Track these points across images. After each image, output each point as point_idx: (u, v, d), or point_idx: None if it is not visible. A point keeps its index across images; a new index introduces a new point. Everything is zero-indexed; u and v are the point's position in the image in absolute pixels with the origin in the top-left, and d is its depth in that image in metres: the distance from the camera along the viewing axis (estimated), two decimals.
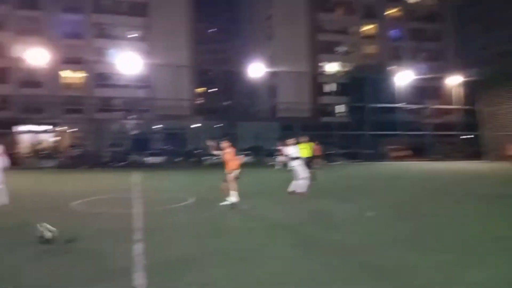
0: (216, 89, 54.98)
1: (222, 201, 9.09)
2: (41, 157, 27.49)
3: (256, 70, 35.50)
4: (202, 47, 50.78)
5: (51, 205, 9.78)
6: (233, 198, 9.00)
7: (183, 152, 26.35)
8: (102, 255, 5.28)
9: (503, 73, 31.92)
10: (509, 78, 28.45)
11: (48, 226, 5.63)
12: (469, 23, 60.47)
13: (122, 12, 41.20)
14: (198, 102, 47.09)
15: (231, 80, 45.71)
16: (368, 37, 52.76)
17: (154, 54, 38.45)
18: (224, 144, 9.48)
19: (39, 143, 31.44)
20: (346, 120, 38.06)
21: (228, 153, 9.35)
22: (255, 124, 33.27)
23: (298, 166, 10.73)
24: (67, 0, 38.67)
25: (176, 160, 24.99)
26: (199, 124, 32.58)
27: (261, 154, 28.58)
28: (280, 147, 20.24)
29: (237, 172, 9.17)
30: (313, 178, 13.33)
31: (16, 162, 26.31)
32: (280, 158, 19.92)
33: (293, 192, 10.64)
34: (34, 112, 33.86)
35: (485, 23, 59.46)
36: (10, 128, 31.70)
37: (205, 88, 54.47)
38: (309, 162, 13.70)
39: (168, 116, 33.17)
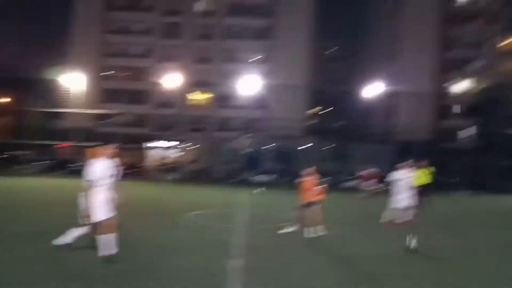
0: (331, 109, 54.67)
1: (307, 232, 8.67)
2: (165, 170, 31.02)
3: (374, 89, 34.48)
4: (321, 67, 51.25)
5: (162, 214, 11.19)
6: (319, 231, 8.62)
7: (292, 172, 26.87)
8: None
9: None
10: None
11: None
12: None
13: (248, 36, 44.28)
14: (312, 122, 47.49)
15: (347, 100, 45.09)
16: (507, 52, 46.61)
17: (274, 75, 40.35)
18: (306, 171, 9.08)
19: (165, 157, 35.58)
20: (472, 145, 34.01)
21: (308, 181, 8.91)
22: (368, 147, 32.16)
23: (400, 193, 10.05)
24: (201, 28, 43.30)
25: (285, 179, 25.63)
26: (310, 144, 32.89)
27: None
28: (362, 173, 19.28)
29: (314, 204, 8.70)
30: (427, 207, 12.43)
31: (143, 174, 30.37)
32: (363, 184, 19.06)
33: (390, 223, 10.05)
34: (164, 129, 38.66)
35: None
36: (142, 143, 36.67)
37: (319, 108, 54.60)
38: (425, 189, 12.84)
39: (281, 136, 34.31)
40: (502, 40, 46.44)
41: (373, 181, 18.51)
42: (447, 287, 5.65)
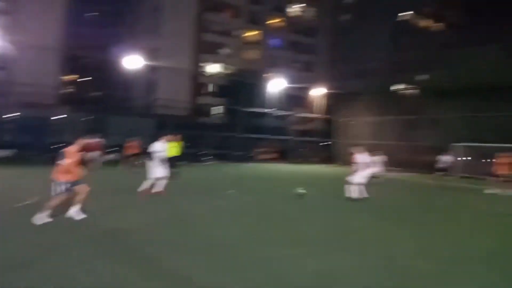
0: (89, 78, 51.17)
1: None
2: None
3: (134, 62, 34.03)
4: (76, 30, 46.64)
5: None
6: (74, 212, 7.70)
7: (40, 146, 23.79)
8: None
9: (357, 89, 36.72)
10: (360, 94, 32.82)
11: None
12: (339, 42, 67.67)
13: None
14: (66, 91, 43.26)
15: (106, 70, 42.98)
16: (250, 43, 55.14)
17: (21, 31, 34.05)
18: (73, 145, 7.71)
19: None
20: (221, 121, 39.23)
21: (71, 156, 7.48)
22: (128, 119, 31.90)
23: (157, 164, 10.68)
24: None
25: (30, 154, 22.48)
26: (64, 115, 29.92)
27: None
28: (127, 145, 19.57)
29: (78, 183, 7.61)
30: (176, 177, 13.49)
31: None
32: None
33: (144, 192, 10.59)
34: None
35: (351, 44, 67.31)
36: None
37: (75, 76, 50.22)
38: (175, 161, 13.84)
39: (27, 104, 29.80)
40: (245, 32, 54.51)
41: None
42: (200, 245, 6.46)
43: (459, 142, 24.57)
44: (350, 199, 11.75)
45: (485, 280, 5.44)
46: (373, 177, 17.32)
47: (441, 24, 72.04)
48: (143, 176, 10.87)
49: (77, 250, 5.75)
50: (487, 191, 15.19)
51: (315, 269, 5.40)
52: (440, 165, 20.98)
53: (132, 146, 18.92)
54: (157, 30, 47.25)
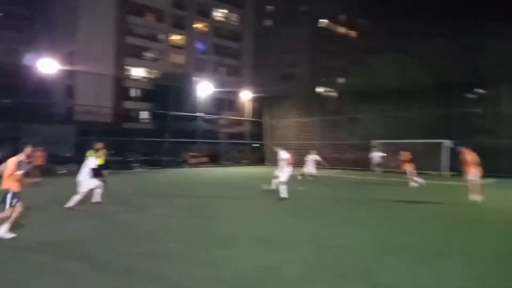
0: None
1: None
2: None
3: (49, 66, 31.69)
4: None
5: None
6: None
7: None
8: None
9: (283, 92, 38.11)
10: (286, 97, 34.11)
11: None
12: (263, 47, 69.57)
13: None
14: None
15: (17, 76, 39.46)
16: (176, 47, 54.40)
17: None
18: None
19: None
20: (149, 127, 38.17)
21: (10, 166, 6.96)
22: (46, 127, 29.60)
23: (87, 176, 9.99)
24: None
25: None
26: None
27: (51, 161, 25.59)
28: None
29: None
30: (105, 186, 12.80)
31: None
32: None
33: (73, 207, 9.73)
34: None
35: (275, 49, 69.60)
36: None
37: None
38: (101, 169, 13.09)
39: None
40: (170, 37, 53.69)
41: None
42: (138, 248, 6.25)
43: (378, 140, 26.69)
44: (268, 193, 12.42)
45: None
46: (303, 175, 18.17)
47: (357, 31, 77.65)
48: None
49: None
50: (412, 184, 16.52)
51: (252, 267, 5.50)
52: (374, 162, 22.96)
53: (37, 155, 16.21)
54: (74, 34, 44.60)
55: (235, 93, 38.20)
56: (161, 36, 52.55)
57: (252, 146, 34.91)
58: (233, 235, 7.45)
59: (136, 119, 44.31)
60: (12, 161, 6.97)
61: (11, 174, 6.84)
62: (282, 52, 69.23)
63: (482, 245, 6.85)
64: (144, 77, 48.54)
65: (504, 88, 22.26)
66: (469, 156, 12.05)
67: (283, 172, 12.45)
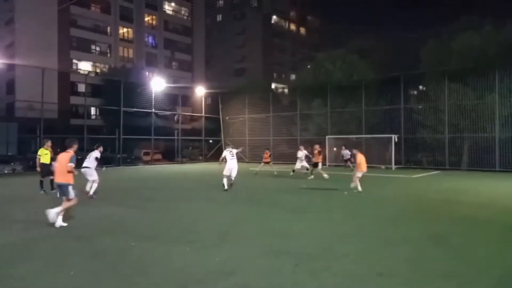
0: None
1: None
2: None
3: None
4: None
5: None
6: None
7: None
8: None
9: (237, 87, 38.26)
10: (240, 92, 34.32)
11: None
12: (215, 42, 69.16)
13: None
14: None
15: None
16: (125, 40, 52.59)
17: None
18: None
19: None
20: (100, 123, 36.74)
21: None
22: None
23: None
24: None
25: None
26: None
27: None
28: None
29: None
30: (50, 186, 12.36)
31: None
32: None
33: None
34: None
35: (226, 44, 69.46)
36: None
37: None
38: (47, 168, 12.59)
39: None
40: (117, 29, 51.77)
41: None
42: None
43: (329, 135, 27.75)
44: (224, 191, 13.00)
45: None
46: (294, 171, 18.37)
47: (306, 27, 79.41)
48: None
49: None
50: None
51: (209, 262, 5.53)
52: (344, 158, 23.98)
53: None
54: (11, 25, 41.70)
55: (188, 89, 37.78)
56: (108, 29, 50.54)
57: (208, 143, 34.79)
58: (189, 231, 7.50)
59: (85, 115, 42.33)
60: None
61: None
62: (234, 47, 69.29)
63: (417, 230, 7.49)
64: (92, 72, 46.45)
65: (443, 84, 23.90)
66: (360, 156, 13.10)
67: (227, 167, 13.31)
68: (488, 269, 5.26)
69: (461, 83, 23.10)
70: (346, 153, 23.85)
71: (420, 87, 27.51)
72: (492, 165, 21.92)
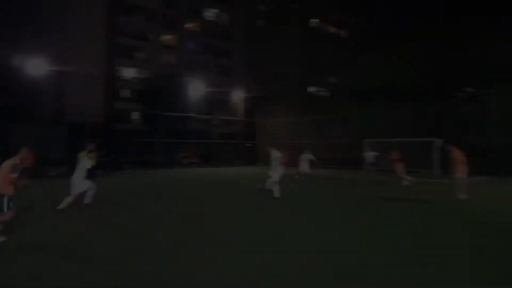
0: None
1: None
2: None
3: (38, 67, 31.32)
4: None
5: None
6: None
7: None
8: None
9: (275, 92, 38.14)
10: (278, 97, 34.13)
11: None
12: (255, 46, 69.56)
13: None
14: None
15: (6, 77, 39.01)
16: (167, 47, 54.08)
17: None
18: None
19: None
20: (140, 127, 37.90)
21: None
22: (35, 128, 29.22)
23: (81, 177, 9.92)
24: None
25: None
26: None
27: (42, 163, 25.31)
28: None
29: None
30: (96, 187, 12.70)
31: None
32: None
33: (63, 210, 9.59)
34: None
35: (266, 49, 69.59)
36: None
37: None
38: (93, 171, 12.97)
39: None
40: (161, 36, 53.35)
41: None
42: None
43: (370, 139, 26.80)
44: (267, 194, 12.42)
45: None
46: (299, 174, 18.21)
47: (347, 30, 77.86)
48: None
49: None
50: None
51: (244, 268, 5.49)
52: (368, 161, 23.09)
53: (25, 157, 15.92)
54: (64, 34, 44.09)
55: (227, 93, 38.12)
56: (152, 36, 52.21)
57: (244, 146, 34.86)
58: (225, 235, 7.44)
59: (127, 120, 43.97)
60: (7, 164, 6.80)
61: (6, 178, 6.68)
62: (274, 52, 69.22)
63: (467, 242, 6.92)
64: (135, 78, 48.14)
65: (493, 87, 22.49)
66: (457, 154, 12.19)
67: (276, 172, 12.50)
68: None
69: None
70: (371, 155, 22.61)
71: (468, 89, 26.01)
72: None
